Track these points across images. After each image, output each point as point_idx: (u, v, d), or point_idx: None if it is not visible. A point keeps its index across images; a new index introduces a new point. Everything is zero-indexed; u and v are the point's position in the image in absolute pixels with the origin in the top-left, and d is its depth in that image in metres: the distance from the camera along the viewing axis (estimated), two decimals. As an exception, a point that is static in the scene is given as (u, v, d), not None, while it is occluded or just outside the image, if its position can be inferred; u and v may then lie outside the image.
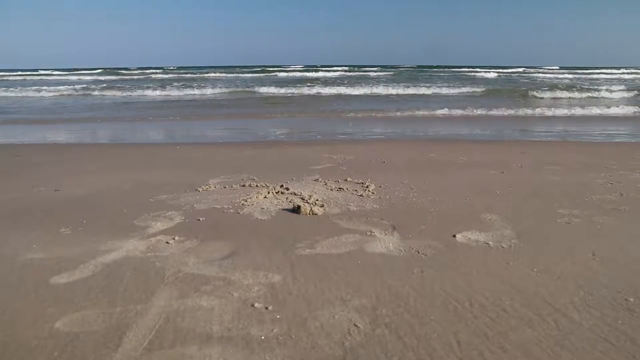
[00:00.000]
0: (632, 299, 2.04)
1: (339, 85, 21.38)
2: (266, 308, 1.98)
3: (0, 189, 4.15)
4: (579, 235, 2.85)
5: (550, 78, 31.60)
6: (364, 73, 38.04)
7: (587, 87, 20.62)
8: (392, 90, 19.34)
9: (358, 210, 3.38)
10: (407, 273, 2.32)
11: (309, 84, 22.71)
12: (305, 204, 3.40)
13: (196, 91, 19.99)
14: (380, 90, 19.51)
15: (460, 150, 6.09)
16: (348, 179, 4.34)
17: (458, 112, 11.84)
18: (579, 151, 6.01)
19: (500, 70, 43.76)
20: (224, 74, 37.01)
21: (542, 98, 16.98)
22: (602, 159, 5.36)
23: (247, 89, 20.68)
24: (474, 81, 26.52)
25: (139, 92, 19.44)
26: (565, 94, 17.85)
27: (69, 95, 19.21)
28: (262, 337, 1.77)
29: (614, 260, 2.46)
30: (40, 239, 2.85)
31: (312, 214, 3.25)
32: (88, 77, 33.25)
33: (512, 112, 11.97)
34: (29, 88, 21.04)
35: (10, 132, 8.94)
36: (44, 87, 20.82)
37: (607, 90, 18.44)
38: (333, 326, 1.84)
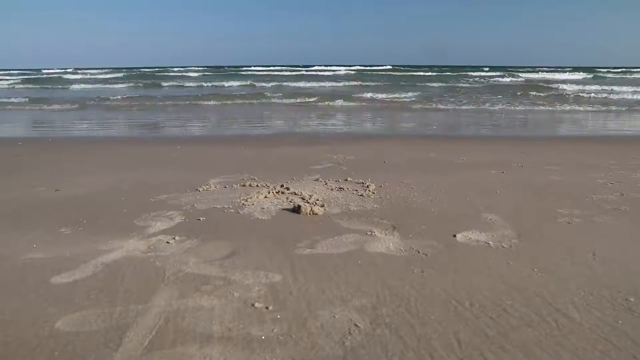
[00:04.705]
0: (632, 299, 2.04)
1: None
2: (266, 308, 1.98)
3: (0, 189, 4.15)
4: (579, 235, 2.85)
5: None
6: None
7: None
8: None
9: (358, 210, 3.38)
10: (407, 273, 2.32)
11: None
12: (306, 203, 3.40)
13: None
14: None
15: (460, 150, 6.09)
16: (348, 179, 4.34)
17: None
18: (579, 151, 6.02)
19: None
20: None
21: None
22: (602, 158, 5.36)
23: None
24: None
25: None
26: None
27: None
28: (263, 337, 1.77)
29: (614, 260, 2.46)
30: (40, 239, 2.85)
31: (313, 213, 3.25)
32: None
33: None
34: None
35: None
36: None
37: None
38: (333, 326, 1.84)
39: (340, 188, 4.01)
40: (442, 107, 13.77)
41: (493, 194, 3.83)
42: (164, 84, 26.34)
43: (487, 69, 45.77)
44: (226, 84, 25.43)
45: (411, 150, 6.18)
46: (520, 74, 34.63)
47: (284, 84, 24.38)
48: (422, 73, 35.63)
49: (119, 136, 8.37)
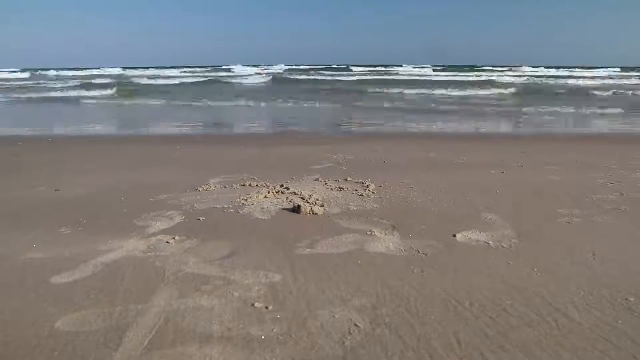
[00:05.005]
0: (632, 299, 2.04)
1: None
2: (266, 308, 1.98)
3: (0, 189, 4.15)
4: (579, 235, 2.85)
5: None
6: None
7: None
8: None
9: (358, 210, 3.38)
10: (407, 273, 2.32)
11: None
12: (306, 203, 3.40)
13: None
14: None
15: (460, 150, 6.10)
16: (348, 179, 4.34)
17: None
18: (579, 151, 6.01)
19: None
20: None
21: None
22: (602, 158, 5.36)
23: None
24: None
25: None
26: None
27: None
28: (263, 337, 1.77)
29: (614, 260, 2.46)
30: (40, 239, 2.85)
31: (313, 213, 3.25)
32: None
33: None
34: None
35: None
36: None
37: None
38: (333, 326, 1.84)
39: (340, 188, 4.01)
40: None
41: (493, 194, 3.83)
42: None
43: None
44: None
45: (411, 150, 6.18)
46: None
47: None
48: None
49: (119, 136, 8.37)
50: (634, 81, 28.31)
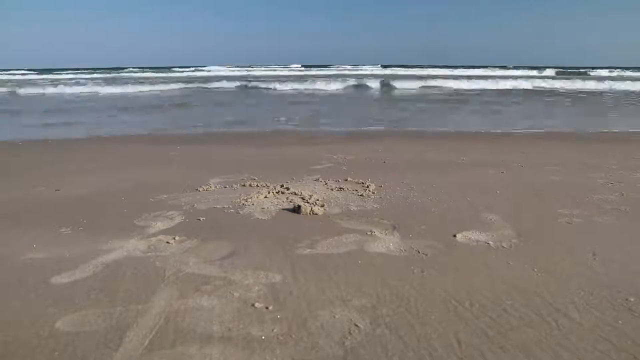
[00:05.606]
0: (632, 299, 2.04)
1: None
2: (266, 308, 1.98)
3: (0, 189, 4.15)
4: (580, 235, 2.85)
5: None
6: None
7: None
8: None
9: (358, 210, 3.38)
10: (407, 273, 2.32)
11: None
12: (306, 203, 3.40)
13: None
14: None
15: (460, 150, 6.09)
16: (348, 179, 4.34)
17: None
18: (579, 151, 6.01)
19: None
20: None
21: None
22: (602, 158, 5.36)
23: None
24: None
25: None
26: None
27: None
28: (263, 337, 1.77)
29: (614, 260, 2.46)
30: (40, 239, 2.85)
31: (313, 213, 3.25)
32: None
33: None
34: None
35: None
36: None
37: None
38: (333, 326, 1.84)
39: (340, 188, 4.01)
40: None
41: (493, 194, 3.83)
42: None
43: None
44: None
45: (411, 150, 6.18)
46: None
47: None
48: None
49: (119, 136, 8.36)
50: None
